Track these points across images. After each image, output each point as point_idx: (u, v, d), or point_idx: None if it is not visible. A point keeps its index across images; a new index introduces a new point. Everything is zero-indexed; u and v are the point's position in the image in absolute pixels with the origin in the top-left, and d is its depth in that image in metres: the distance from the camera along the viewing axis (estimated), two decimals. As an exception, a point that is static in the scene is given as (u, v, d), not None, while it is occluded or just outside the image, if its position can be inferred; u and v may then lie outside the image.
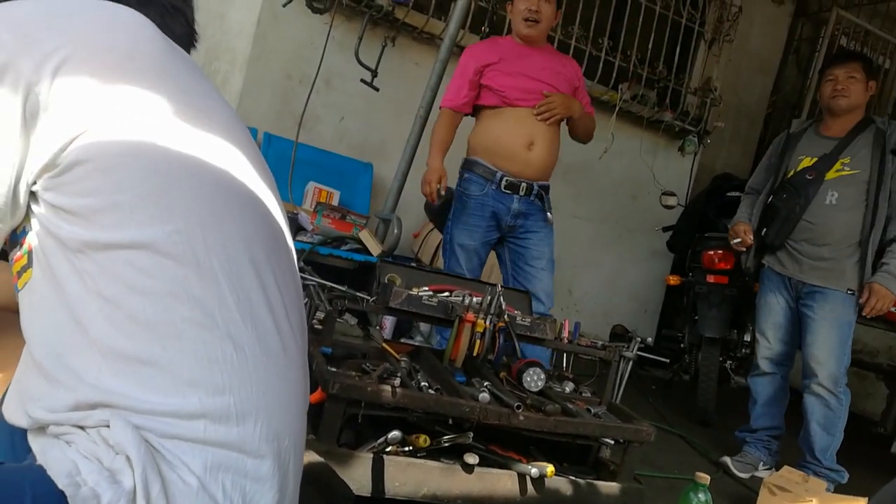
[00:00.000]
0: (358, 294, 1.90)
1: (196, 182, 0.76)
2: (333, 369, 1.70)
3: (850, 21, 5.30)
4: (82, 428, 0.71)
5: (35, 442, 0.74)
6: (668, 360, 3.53)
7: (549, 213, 2.79)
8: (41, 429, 0.74)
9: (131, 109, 0.73)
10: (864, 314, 2.68)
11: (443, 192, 2.79)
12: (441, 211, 3.29)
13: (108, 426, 0.70)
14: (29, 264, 0.75)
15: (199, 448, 0.70)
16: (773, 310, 2.89)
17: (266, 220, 0.83)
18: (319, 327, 1.95)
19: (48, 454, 0.71)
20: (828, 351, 2.71)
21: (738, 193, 3.69)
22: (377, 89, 3.54)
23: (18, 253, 0.78)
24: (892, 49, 5.60)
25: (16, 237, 0.78)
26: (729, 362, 3.70)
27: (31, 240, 0.75)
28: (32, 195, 0.73)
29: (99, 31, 0.75)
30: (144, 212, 0.71)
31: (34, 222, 0.74)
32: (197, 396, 0.70)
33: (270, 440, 0.75)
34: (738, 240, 2.95)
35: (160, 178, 0.73)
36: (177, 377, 0.70)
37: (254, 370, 0.74)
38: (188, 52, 0.94)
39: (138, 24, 0.78)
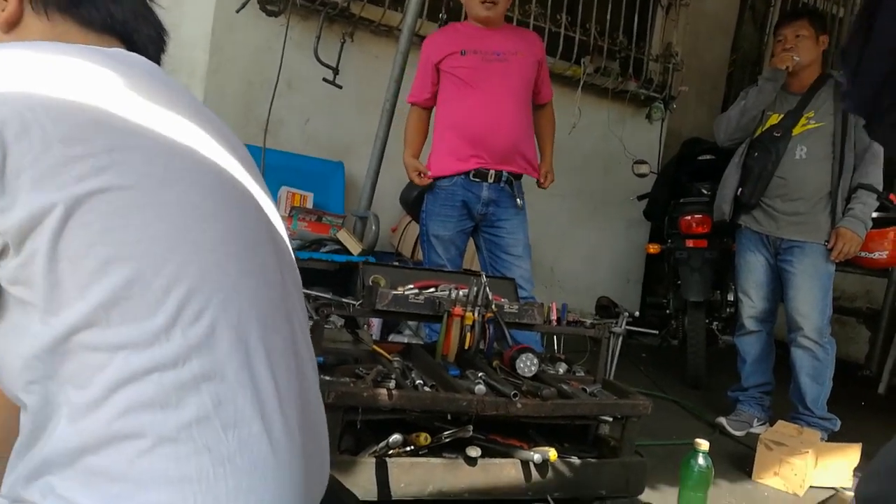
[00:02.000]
0: (344, 300, 1.89)
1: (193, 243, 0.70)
2: (327, 378, 1.69)
3: (802, -25, 5.35)
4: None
5: None
6: (656, 332, 3.57)
7: (518, 200, 2.77)
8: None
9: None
10: (832, 258, 2.72)
11: (428, 178, 2.78)
12: (417, 202, 3.27)
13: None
14: None
15: None
16: (754, 268, 2.93)
17: (265, 274, 0.76)
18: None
19: None
20: (811, 303, 2.76)
21: (708, 156, 3.73)
22: (340, 87, 3.50)
23: None
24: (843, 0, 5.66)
25: None
26: (715, 324, 3.76)
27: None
28: None
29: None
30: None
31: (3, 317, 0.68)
32: None
33: None
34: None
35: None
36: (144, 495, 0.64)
37: (233, 487, 0.67)
38: (160, 54, 0.90)
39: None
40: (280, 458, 0.71)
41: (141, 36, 0.85)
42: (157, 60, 0.89)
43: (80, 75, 0.70)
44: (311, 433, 0.79)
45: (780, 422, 2.61)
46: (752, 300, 2.94)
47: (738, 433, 2.88)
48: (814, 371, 2.78)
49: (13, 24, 0.79)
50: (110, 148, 0.67)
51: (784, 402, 2.92)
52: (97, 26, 0.81)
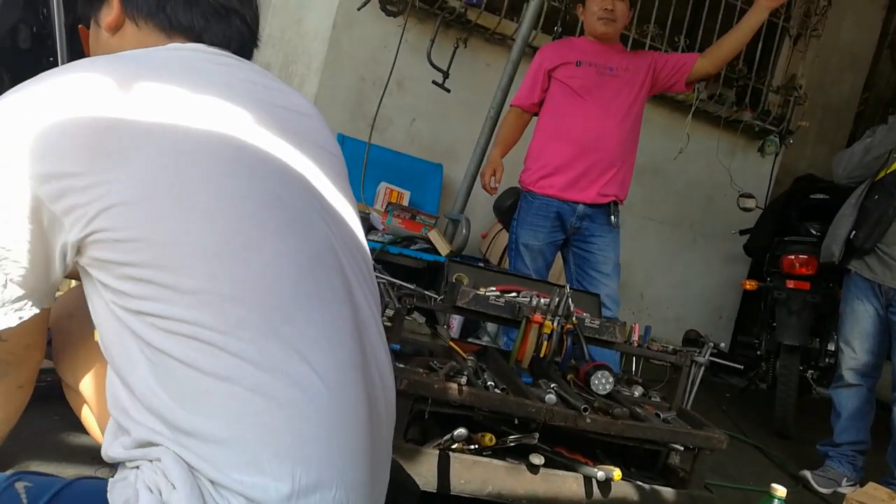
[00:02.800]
0: (426, 293, 1.92)
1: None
2: (401, 366, 1.73)
3: (951, 13, 4.98)
4: (150, 461, 0.76)
5: (118, 473, 0.81)
6: (742, 367, 3.41)
7: (613, 217, 2.72)
8: (123, 464, 0.80)
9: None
10: None
11: (496, 184, 2.80)
12: (509, 211, 3.29)
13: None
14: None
15: (246, 502, 0.72)
16: (861, 318, 2.75)
17: (307, 240, 0.84)
18: (388, 324, 1.98)
19: (117, 483, 0.77)
20: (920, 363, 2.56)
21: (821, 196, 3.53)
22: (448, 90, 3.57)
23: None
24: None
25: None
26: (810, 372, 3.54)
27: (88, 299, 0.82)
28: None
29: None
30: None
31: (86, 280, 0.80)
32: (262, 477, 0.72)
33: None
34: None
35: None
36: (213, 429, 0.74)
37: (287, 421, 0.74)
38: (251, 48, 0.99)
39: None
40: (334, 393, 0.78)
41: (213, 35, 0.94)
42: (245, 54, 0.98)
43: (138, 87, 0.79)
44: (370, 373, 0.85)
45: (870, 483, 2.43)
46: (854, 351, 2.76)
47: (823, 490, 2.70)
48: (916, 435, 2.58)
49: (116, 29, 0.95)
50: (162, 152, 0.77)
51: (879, 466, 2.71)
52: (176, 29, 0.94)
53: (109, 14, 0.94)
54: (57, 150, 0.73)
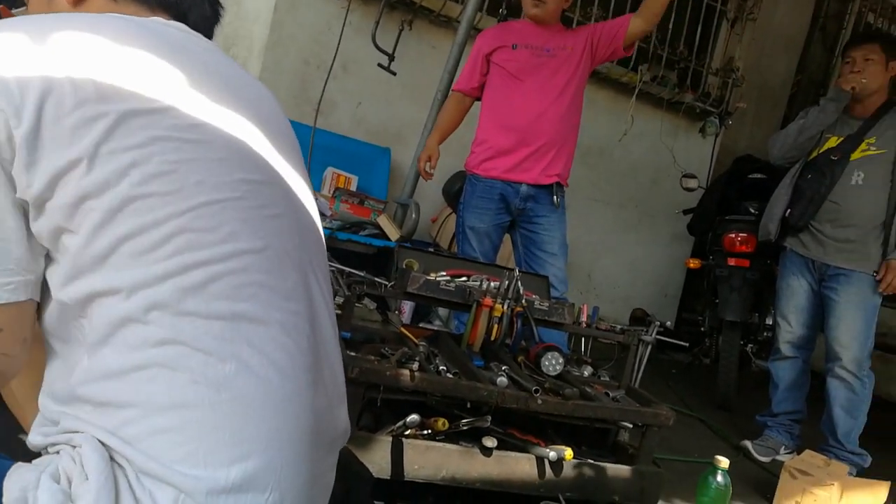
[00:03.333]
0: (376, 279, 1.91)
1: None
2: (352, 353, 1.71)
3: (879, -3, 5.18)
4: (72, 447, 0.72)
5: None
6: (687, 344, 3.51)
7: (556, 198, 2.73)
8: (46, 449, 0.76)
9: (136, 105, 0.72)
10: (880, 290, 2.64)
11: (431, 170, 2.83)
12: (459, 194, 3.29)
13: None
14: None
15: (174, 492, 0.69)
16: (796, 293, 2.86)
17: (277, 234, 0.81)
18: (339, 312, 1.96)
19: (21, 466, 0.72)
20: (852, 334, 2.68)
21: (760, 175, 3.64)
22: (394, 73, 3.53)
23: None
24: (921, 25, 5.45)
25: None
26: (750, 346, 3.67)
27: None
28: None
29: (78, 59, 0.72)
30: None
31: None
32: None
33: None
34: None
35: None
36: (149, 421, 0.70)
37: (228, 412, 0.72)
38: (214, 26, 0.95)
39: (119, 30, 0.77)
40: (281, 392, 0.75)
41: (194, 14, 0.89)
42: (209, 34, 0.93)
43: (128, 49, 0.74)
44: (322, 374, 0.83)
45: (807, 451, 2.55)
46: (790, 325, 2.87)
47: (763, 458, 2.82)
48: (848, 403, 2.70)
49: (80, 1, 0.85)
50: (130, 112, 0.71)
51: (814, 434, 2.84)
52: (154, 3, 0.87)
53: None
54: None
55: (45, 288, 0.74)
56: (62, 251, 0.71)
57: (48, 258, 0.73)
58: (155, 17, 0.86)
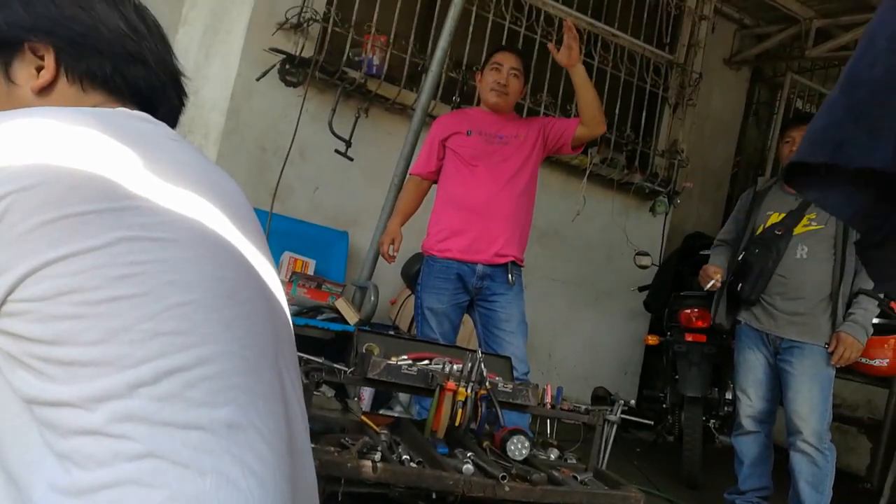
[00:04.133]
0: (335, 365, 1.86)
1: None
2: (312, 445, 1.64)
3: (805, 85, 5.54)
4: None
5: None
6: (652, 423, 3.49)
7: (510, 276, 2.76)
8: None
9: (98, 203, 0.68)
10: (832, 363, 2.69)
11: (395, 252, 2.86)
12: (418, 276, 3.28)
13: None
14: None
15: None
16: (753, 366, 2.89)
17: (253, 334, 0.76)
18: (296, 401, 1.90)
19: None
20: (810, 406, 2.70)
21: (709, 252, 3.75)
22: (351, 159, 3.58)
23: None
24: (845, 110, 5.83)
25: None
26: (712, 421, 3.67)
27: None
28: None
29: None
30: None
31: None
32: None
33: None
34: (712, 281, 2.95)
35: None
36: None
37: None
38: (179, 114, 0.93)
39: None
40: (263, 503, 0.69)
41: (164, 107, 0.88)
42: (174, 123, 0.92)
43: (91, 146, 0.71)
44: (298, 482, 0.77)
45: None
46: (750, 399, 2.89)
47: (734, 538, 2.77)
48: (813, 478, 2.70)
49: (46, 91, 0.82)
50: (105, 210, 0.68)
51: (782, 509, 2.82)
52: (126, 97, 0.85)
53: (36, 73, 0.81)
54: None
55: (2, 400, 0.66)
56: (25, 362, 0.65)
57: (11, 366, 0.66)
58: (120, 109, 0.83)
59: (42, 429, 0.65)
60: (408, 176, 3.00)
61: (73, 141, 0.70)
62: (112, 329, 0.65)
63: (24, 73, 0.81)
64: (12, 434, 0.66)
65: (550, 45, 2.83)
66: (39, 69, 0.81)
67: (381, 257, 3.18)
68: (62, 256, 0.65)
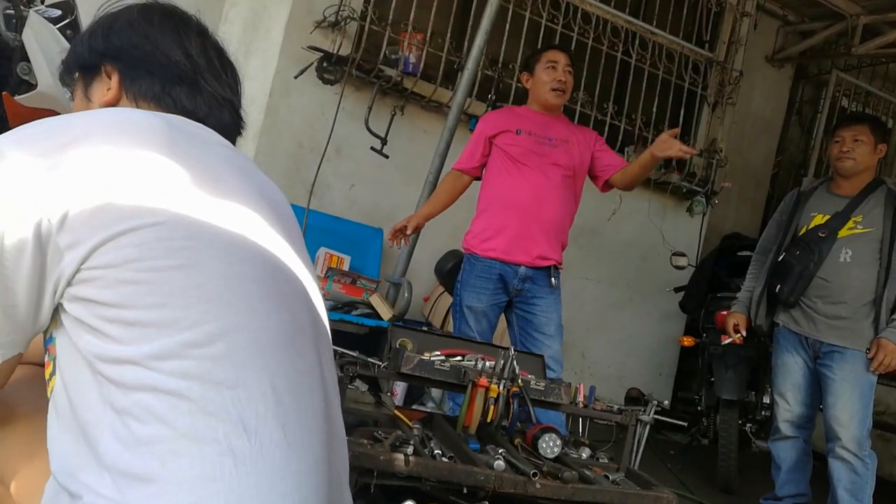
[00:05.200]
0: (369, 360, 1.88)
1: (229, 292, 0.78)
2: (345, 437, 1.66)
3: (851, 82, 5.39)
4: None
5: None
6: (685, 424, 3.45)
7: (553, 279, 2.76)
8: None
9: (153, 194, 0.76)
10: (871, 370, 2.62)
11: (409, 233, 2.86)
12: (451, 273, 3.30)
13: None
14: (53, 372, 0.78)
15: None
16: (791, 370, 2.84)
17: (291, 312, 0.84)
18: (330, 394, 1.92)
19: None
20: (850, 413, 2.64)
21: (748, 253, 3.68)
22: (387, 156, 3.60)
23: (46, 359, 0.81)
24: (893, 109, 5.67)
25: (45, 343, 0.81)
26: (749, 425, 3.61)
27: (57, 347, 0.78)
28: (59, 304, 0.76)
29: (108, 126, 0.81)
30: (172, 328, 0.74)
31: (59, 330, 0.77)
32: None
33: None
34: (730, 339, 2.97)
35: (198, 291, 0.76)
36: (175, 495, 0.69)
37: (254, 484, 0.72)
38: (235, 137, 1.02)
39: (146, 122, 0.83)
40: (301, 465, 0.76)
41: (211, 121, 0.97)
42: (231, 141, 1.01)
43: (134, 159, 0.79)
44: (334, 452, 0.85)
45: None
46: (788, 403, 2.83)
47: (769, 544, 2.72)
48: (852, 486, 2.63)
49: (111, 105, 0.96)
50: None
51: (820, 517, 2.76)
52: (180, 113, 0.95)
53: (106, 91, 0.95)
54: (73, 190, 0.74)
55: (71, 362, 0.75)
56: (94, 322, 0.73)
57: (80, 330, 0.74)
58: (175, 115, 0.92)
59: (103, 387, 0.72)
60: (449, 170, 2.99)
61: (126, 152, 0.79)
62: (170, 293, 0.73)
63: (98, 91, 0.97)
64: (81, 393, 0.74)
65: (673, 131, 2.65)
66: (109, 89, 0.96)
67: (414, 254, 3.21)
68: (129, 229, 0.73)
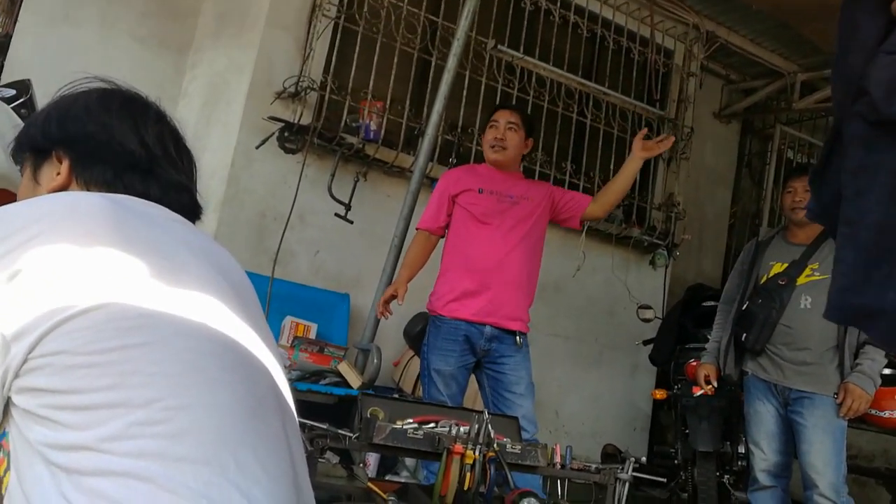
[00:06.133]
0: (339, 431, 1.82)
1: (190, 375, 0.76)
2: (317, 515, 1.59)
3: (794, 136, 5.65)
4: None
5: None
6: (664, 480, 3.41)
7: (518, 338, 2.76)
8: None
9: (106, 281, 0.75)
10: (840, 415, 2.64)
11: (399, 303, 2.84)
12: (420, 336, 3.26)
13: None
14: (8, 468, 0.74)
15: None
16: (763, 418, 2.84)
17: (253, 383, 0.82)
18: (300, 469, 1.85)
19: None
20: (824, 459, 2.64)
21: (713, 303, 3.73)
22: (351, 222, 3.60)
23: (0, 455, 0.76)
24: (837, 159, 5.91)
25: None
26: (727, 477, 3.58)
27: (10, 442, 0.74)
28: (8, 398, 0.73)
29: (62, 215, 0.79)
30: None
31: (10, 424, 0.73)
32: None
33: None
34: (702, 391, 2.99)
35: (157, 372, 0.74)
36: None
37: None
38: (194, 220, 1.01)
39: (96, 206, 0.82)
40: None
41: (167, 204, 0.95)
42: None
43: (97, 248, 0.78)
44: None
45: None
46: (763, 452, 2.83)
47: None
48: (833, 534, 2.61)
49: (60, 191, 0.94)
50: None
51: (804, 568, 2.71)
52: (133, 193, 0.93)
53: (55, 176, 0.94)
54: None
55: (24, 456, 0.71)
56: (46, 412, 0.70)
57: (29, 422, 0.71)
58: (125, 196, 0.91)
59: (56, 477, 0.68)
60: (415, 231, 3.00)
61: (80, 237, 0.78)
62: (123, 372, 0.71)
63: (48, 175, 0.95)
64: (35, 486, 0.70)
65: (642, 132, 2.91)
66: (58, 173, 0.94)
67: (382, 319, 3.18)
68: (77, 313, 0.71)
